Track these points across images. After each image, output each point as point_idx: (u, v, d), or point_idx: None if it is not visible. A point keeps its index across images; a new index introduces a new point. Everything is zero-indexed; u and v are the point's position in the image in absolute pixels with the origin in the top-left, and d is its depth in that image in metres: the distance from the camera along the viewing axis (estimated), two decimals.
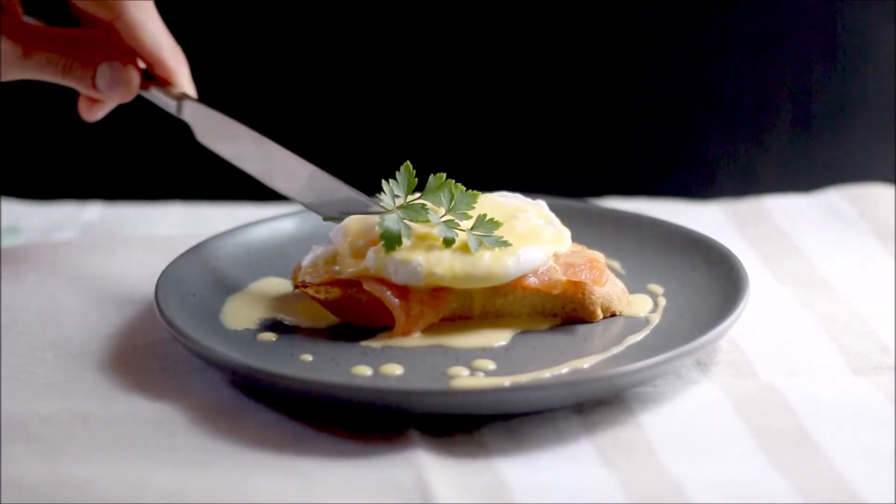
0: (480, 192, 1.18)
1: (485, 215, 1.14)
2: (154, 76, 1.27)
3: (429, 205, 1.15)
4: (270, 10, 1.62)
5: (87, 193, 1.59)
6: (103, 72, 1.23)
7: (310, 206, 1.21)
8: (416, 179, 1.16)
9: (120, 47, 1.25)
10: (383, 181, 1.15)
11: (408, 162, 1.16)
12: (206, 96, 1.29)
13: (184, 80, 1.28)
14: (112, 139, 1.65)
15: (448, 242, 1.13)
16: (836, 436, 1.01)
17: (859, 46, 1.60)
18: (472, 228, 1.13)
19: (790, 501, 0.94)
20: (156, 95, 1.27)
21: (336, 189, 1.19)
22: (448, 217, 1.14)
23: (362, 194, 1.18)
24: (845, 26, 1.59)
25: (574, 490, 0.96)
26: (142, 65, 1.27)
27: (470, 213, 1.15)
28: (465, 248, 1.13)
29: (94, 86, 1.24)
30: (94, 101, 1.29)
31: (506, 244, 1.13)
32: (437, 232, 1.13)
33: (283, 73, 1.64)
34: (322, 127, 1.66)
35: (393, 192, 1.15)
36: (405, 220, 1.14)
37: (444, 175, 1.16)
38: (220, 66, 1.64)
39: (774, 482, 0.96)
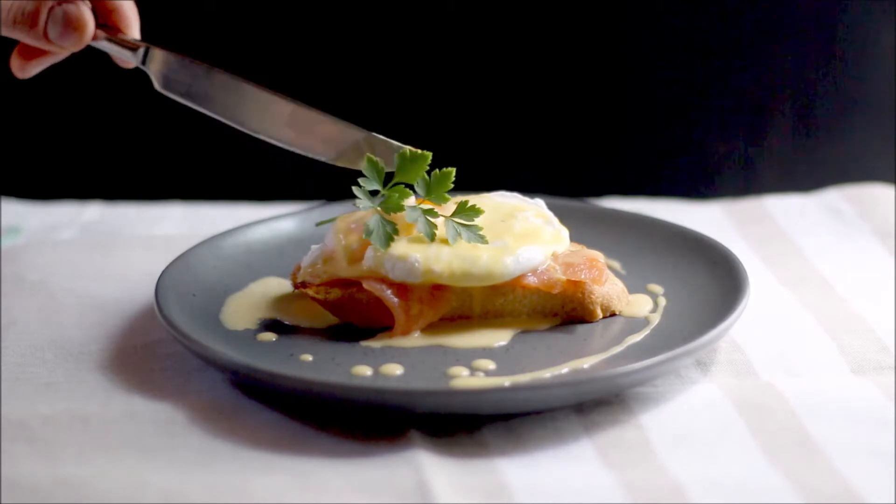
0: (471, 193, 1.18)
1: (466, 202, 1.14)
2: (106, 24, 1.19)
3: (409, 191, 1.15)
4: (267, 10, 1.62)
5: (87, 193, 1.59)
6: (55, 17, 1.15)
7: (293, 146, 1.17)
8: (384, 168, 1.15)
9: None
10: (353, 187, 1.14)
11: (368, 154, 1.15)
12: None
13: (136, 31, 1.21)
14: (112, 139, 1.65)
15: (431, 236, 1.13)
16: (836, 436, 1.01)
17: (859, 46, 1.60)
18: (452, 215, 1.13)
19: (790, 501, 0.94)
20: (110, 45, 1.19)
21: (320, 122, 1.15)
22: (428, 205, 1.14)
23: (352, 125, 1.15)
24: (845, 26, 1.59)
25: (574, 490, 0.96)
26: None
27: (447, 194, 1.15)
28: (464, 247, 1.13)
29: (45, 35, 1.16)
30: (31, 55, 1.20)
31: (482, 239, 1.13)
32: (418, 228, 1.13)
33: (282, 72, 1.64)
34: None
35: (367, 191, 1.14)
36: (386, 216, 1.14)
37: (409, 150, 1.14)
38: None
39: (774, 482, 0.96)
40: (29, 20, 1.15)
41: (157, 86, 1.19)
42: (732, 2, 1.59)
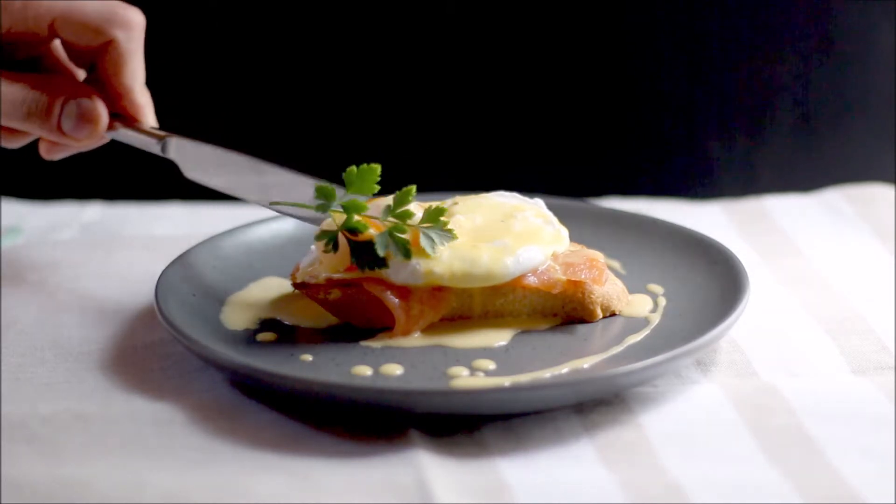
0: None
1: (430, 207, 1.12)
2: (121, 114, 1.23)
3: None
4: (264, 11, 1.62)
5: (87, 193, 1.59)
6: (69, 111, 1.19)
7: (314, 222, 1.19)
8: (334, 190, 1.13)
9: (83, 87, 1.21)
10: (328, 212, 1.13)
11: (317, 183, 1.14)
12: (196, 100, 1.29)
13: (150, 117, 1.24)
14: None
15: (405, 253, 1.11)
16: (836, 436, 1.01)
17: (859, 46, 1.60)
18: (420, 222, 1.12)
19: (790, 501, 0.94)
20: (129, 135, 1.22)
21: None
22: (392, 221, 1.12)
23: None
24: (845, 26, 1.59)
25: (574, 490, 0.96)
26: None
27: (412, 209, 1.13)
28: (465, 248, 1.13)
29: (59, 128, 1.19)
30: (56, 143, 1.24)
31: (452, 236, 1.12)
32: (378, 246, 1.11)
33: (282, 73, 1.64)
34: (321, 128, 1.66)
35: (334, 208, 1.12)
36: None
37: (356, 168, 1.13)
38: (210, 69, 1.64)
39: (774, 482, 0.96)
40: (42, 113, 1.18)
41: (185, 174, 1.23)
42: (733, 2, 1.59)
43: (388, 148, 1.65)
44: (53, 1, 1.19)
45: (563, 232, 1.19)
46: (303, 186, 1.19)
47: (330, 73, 1.63)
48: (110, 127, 1.22)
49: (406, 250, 1.11)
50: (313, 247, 1.19)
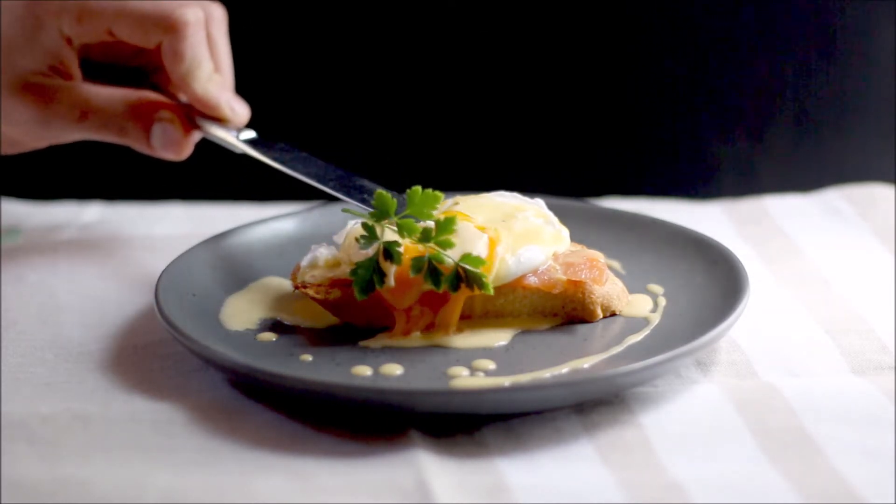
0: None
1: (469, 255, 1.10)
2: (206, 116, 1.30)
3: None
4: (264, 10, 1.62)
5: (87, 193, 1.59)
6: (155, 133, 1.27)
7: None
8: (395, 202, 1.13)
9: (173, 103, 1.29)
10: (362, 223, 1.12)
11: (379, 190, 1.13)
12: None
13: (226, 110, 1.29)
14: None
15: (436, 282, 1.10)
16: (836, 436, 1.01)
17: (859, 46, 1.60)
18: (427, 241, 1.10)
19: (790, 501, 0.94)
20: (218, 138, 1.29)
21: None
22: (432, 247, 1.11)
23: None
24: (845, 26, 1.59)
25: (574, 490, 0.96)
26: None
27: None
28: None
29: (150, 146, 1.28)
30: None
31: (486, 287, 1.10)
32: (412, 270, 1.10)
33: (282, 72, 1.64)
34: (322, 128, 1.66)
35: (373, 229, 1.11)
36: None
37: (420, 189, 1.12)
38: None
39: (774, 482, 0.96)
40: (133, 132, 1.28)
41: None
42: (733, 2, 1.59)
43: (389, 148, 1.65)
44: (108, 2, 1.25)
45: (564, 232, 1.19)
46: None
47: (331, 74, 1.63)
48: (199, 129, 1.30)
49: (439, 281, 1.10)
50: (313, 246, 1.19)
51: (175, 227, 1.49)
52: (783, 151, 1.64)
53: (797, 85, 1.62)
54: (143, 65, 1.34)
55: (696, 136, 1.64)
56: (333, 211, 1.32)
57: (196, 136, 1.31)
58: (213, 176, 1.61)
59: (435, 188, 1.22)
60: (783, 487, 0.95)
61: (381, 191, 1.12)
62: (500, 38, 1.61)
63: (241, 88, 1.64)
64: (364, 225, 1.11)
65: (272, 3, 1.61)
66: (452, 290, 1.10)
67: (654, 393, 1.07)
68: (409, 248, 1.11)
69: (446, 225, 1.10)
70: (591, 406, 1.05)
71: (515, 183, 1.41)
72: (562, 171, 1.65)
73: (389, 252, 1.10)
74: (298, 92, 1.65)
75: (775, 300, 1.25)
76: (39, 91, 1.25)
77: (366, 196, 1.21)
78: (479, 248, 1.11)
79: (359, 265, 1.10)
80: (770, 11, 1.59)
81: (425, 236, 1.10)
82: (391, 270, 1.10)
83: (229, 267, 1.24)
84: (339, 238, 1.18)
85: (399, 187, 1.18)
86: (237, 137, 1.29)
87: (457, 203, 1.19)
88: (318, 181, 1.24)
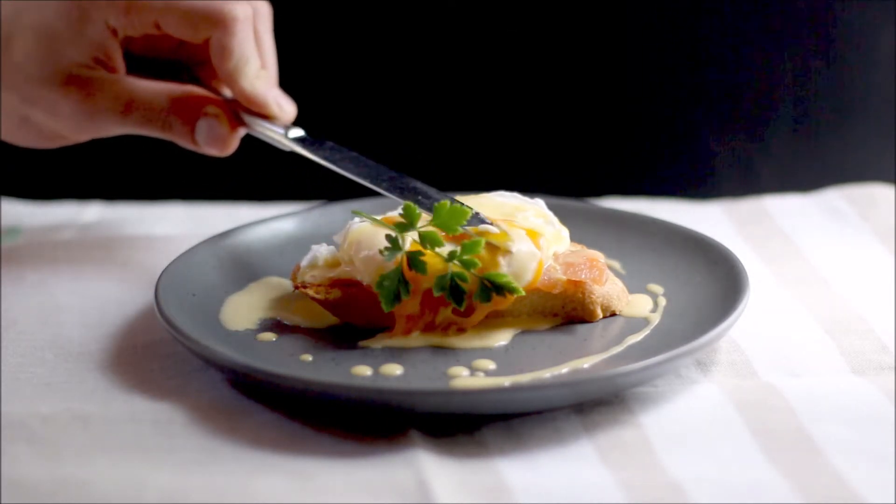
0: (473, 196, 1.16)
1: (455, 252, 1.11)
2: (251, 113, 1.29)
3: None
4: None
5: (87, 193, 1.59)
6: (200, 128, 1.26)
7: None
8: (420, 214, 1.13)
9: (219, 99, 1.28)
10: (386, 235, 1.12)
11: (407, 202, 1.13)
12: None
13: (273, 107, 1.28)
14: (112, 139, 1.65)
15: (459, 301, 1.10)
16: (836, 436, 1.01)
17: (859, 46, 1.60)
18: (452, 258, 1.10)
19: (790, 501, 0.94)
20: (265, 136, 1.28)
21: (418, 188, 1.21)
22: (456, 266, 1.11)
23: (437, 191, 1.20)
24: (845, 26, 1.59)
25: (574, 490, 0.96)
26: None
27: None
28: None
29: (194, 141, 1.27)
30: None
31: (516, 290, 1.10)
32: (434, 287, 1.10)
33: (283, 71, 1.64)
34: (322, 128, 1.66)
35: (396, 241, 1.11)
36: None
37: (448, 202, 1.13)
38: None
39: (774, 482, 0.96)
40: (178, 126, 1.27)
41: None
42: (733, 2, 1.59)
43: (389, 147, 1.65)
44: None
45: (564, 232, 1.19)
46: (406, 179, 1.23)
47: (332, 73, 1.63)
48: (244, 125, 1.29)
49: (461, 299, 1.10)
50: (314, 247, 1.19)
51: (175, 227, 1.49)
52: (783, 151, 1.64)
53: (797, 85, 1.62)
54: (183, 59, 1.33)
55: (696, 136, 1.64)
56: (333, 211, 1.33)
57: (241, 133, 1.30)
58: (213, 176, 1.61)
59: (435, 188, 1.22)
60: (783, 487, 0.95)
61: (408, 203, 1.12)
62: (500, 38, 1.61)
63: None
64: (388, 237, 1.11)
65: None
66: (484, 302, 1.10)
67: (654, 393, 1.07)
68: (430, 257, 1.10)
69: (473, 246, 1.10)
70: (591, 406, 1.05)
71: (515, 183, 1.41)
72: (562, 171, 1.65)
73: (414, 263, 1.10)
74: (299, 91, 1.65)
75: (775, 300, 1.25)
76: (84, 83, 1.25)
77: (420, 198, 1.19)
78: (525, 248, 1.12)
79: (383, 277, 1.10)
80: (770, 11, 1.59)
81: (451, 255, 1.10)
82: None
83: (229, 267, 1.24)
84: (339, 238, 1.18)
85: None
86: (285, 136, 1.27)
87: None
88: (371, 182, 1.23)
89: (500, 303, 1.11)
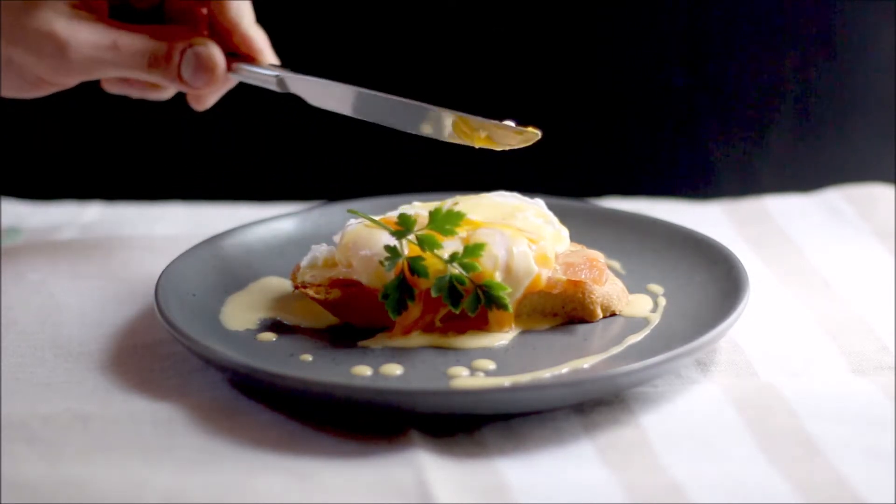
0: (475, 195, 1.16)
1: (456, 254, 1.11)
2: (239, 55, 1.26)
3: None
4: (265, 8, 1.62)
5: (87, 193, 1.59)
6: (187, 59, 1.22)
7: (430, 136, 1.20)
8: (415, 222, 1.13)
9: (200, 34, 1.24)
10: (385, 246, 1.11)
11: (402, 212, 1.13)
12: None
13: (268, 53, 1.26)
14: (112, 139, 1.65)
15: (455, 303, 1.10)
16: (836, 436, 1.01)
17: (859, 46, 1.60)
18: (453, 260, 1.11)
19: (790, 501, 0.94)
20: (247, 74, 1.25)
21: (446, 116, 1.21)
22: (456, 269, 1.11)
23: (469, 116, 1.19)
24: (845, 26, 1.59)
25: (574, 490, 0.96)
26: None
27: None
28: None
29: (179, 76, 1.23)
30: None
31: (507, 308, 1.11)
32: (433, 289, 1.10)
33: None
34: (323, 127, 1.66)
35: (395, 249, 1.11)
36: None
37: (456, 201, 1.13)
38: None
39: (774, 482, 0.96)
40: (163, 61, 1.22)
41: (310, 102, 1.24)
42: (733, 2, 1.59)
43: (389, 147, 1.65)
44: None
45: (564, 232, 1.19)
46: (411, 111, 1.21)
47: (332, 73, 1.63)
48: (229, 69, 1.25)
49: (458, 302, 1.10)
50: (314, 247, 1.19)
51: (175, 227, 1.49)
52: (783, 151, 1.64)
53: (797, 85, 1.62)
54: (165, 11, 1.30)
55: (697, 136, 1.64)
56: (333, 211, 1.33)
57: (229, 78, 1.26)
58: (213, 176, 1.61)
59: (435, 188, 1.22)
60: (783, 487, 0.95)
61: (402, 212, 1.12)
62: (500, 37, 1.61)
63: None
64: (386, 247, 1.11)
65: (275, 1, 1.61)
66: (471, 313, 1.10)
67: (654, 393, 1.07)
68: (431, 260, 1.10)
69: (475, 249, 1.10)
70: (591, 406, 1.05)
71: (515, 183, 1.41)
72: (562, 171, 1.65)
73: (415, 268, 1.10)
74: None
75: (775, 300, 1.25)
76: (67, 22, 1.21)
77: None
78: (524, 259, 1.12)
79: (387, 287, 1.10)
80: (771, 11, 1.59)
81: (452, 257, 1.10)
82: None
83: (229, 267, 1.24)
84: (337, 238, 1.18)
85: (400, 187, 1.18)
86: (273, 73, 1.24)
87: (456, 203, 1.19)
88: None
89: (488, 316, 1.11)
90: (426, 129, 1.19)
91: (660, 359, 1.04)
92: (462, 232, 1.14)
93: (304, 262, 1.18)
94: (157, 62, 1.22)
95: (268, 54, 1.27)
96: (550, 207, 1.22)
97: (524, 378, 1.05)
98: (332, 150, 1.66)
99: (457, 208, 1.17)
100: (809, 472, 0.97)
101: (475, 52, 1.62)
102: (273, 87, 1.25)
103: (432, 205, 1.20)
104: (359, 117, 1.21)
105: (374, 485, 0.96)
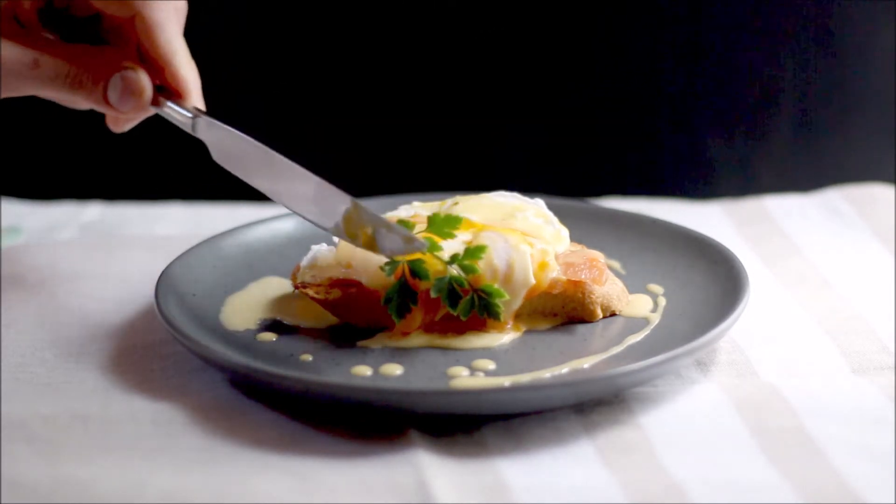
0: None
1: (457, 255, 1.11)
2: (167, 89, 1.21)
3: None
4: (265, 7, 1.62)
5: (87, 193, 1.59)
6: (114, 83, 1.18)
7: (316, 223, 1.15)
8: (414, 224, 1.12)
9: (132, 61, 1.21)
10: (381, 267, 1.11)
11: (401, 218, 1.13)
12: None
13: (195, 95, 1.22)
14: (112, 139, 1.65)
15: (453, 304, 1.10)
16: (836, 436, 1.01)
17: (859, 46, 1.60)
18: (454, 261, 1.11)
19: (790, 501, 0.94)
20: (169, 111, 1.21)
21: (340, 202, 1.12)
22: (456, 271, 1.11)
23: (365, 208, 1.13)
24: (845, 26, 1.59)
25: (574, 490, 0.96)
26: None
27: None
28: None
29: (105, 99, 1.19)
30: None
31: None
32: (433, 289, 1.10)
33: (284, 71, 1.64)
34: (323, 127, 1.66)
35: (391, 266, 1.10)
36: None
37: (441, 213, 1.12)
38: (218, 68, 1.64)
39: (774, 482, 0.96)
40: (88, 85, 1.18)
41: (213, 156, 1.20)
42: (733, 1, 1.59)
43: (389, 147, 1.65)
44: None
45: (564, 232, 1.19)
46: (308, 182, 1.15)
47: (332, 72, 1.63)
48: (154, 101, 1.20)
49: (456, 303, 1.10)
50: (313, 247, 1.19)
51: (175, 227, 1.49)
52: (783, 151, 1.64)
53: (797, 85, 1.62)
54: (101, 24, 1.25)
55: (697, 136, 1.64)
56: None
57: (150, 92, 1.20)
58: (213, 176, 1.61)
59: (435, 188, 1.22)
60: (783, 487, 0.95)
61: (401, 219, 1.12)
62: (500, 37, 1.61)
63: (242, 84, 1.64)
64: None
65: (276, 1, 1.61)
66: (463, 317, 1.10)
67: (654, 393, 1.07)
68: (430, 261, 1.10)
69: (475, 252, 1.10)
70: (591, 406, 1.05)
71: (515, 183, 1.41)
72: (562, 171, 1.65)
73: (415, 270, 1.10)
74: (299, 91, 1.65)
75: (775, 300, 1.25)
76: None
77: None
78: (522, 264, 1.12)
79: (389, 293, 1.10)
80: (770, 11, 1.59)
81: (453, 259, 1.10)
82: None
83: (229, 267, 1.24)
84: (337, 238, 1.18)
85: (400, 187, 1.18)
86: (192, 119, 1.20)
87: (456, 203, 1.19)
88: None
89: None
90: (312, 212, 1.14)
91: (660, 359, 1.04)
92: (466, 234, 1.14)
93: (304, 262, 1.18)
94: (81, 85, 1.19)
95: (195, 97, 1.22)
96: (550, 207, 1.22)
97: (524, 378, 1.05)
98: (332, 150, 1.66)
99: (457, 208, 1.17)
100: (809, 472, 0.97)
101: (475, 53, 1.62)
102: (189, 130, 1.20)
103: (432, 205, 1.20)
104: (255, 187, 1.18)
105: (374, 485, 0.96)
